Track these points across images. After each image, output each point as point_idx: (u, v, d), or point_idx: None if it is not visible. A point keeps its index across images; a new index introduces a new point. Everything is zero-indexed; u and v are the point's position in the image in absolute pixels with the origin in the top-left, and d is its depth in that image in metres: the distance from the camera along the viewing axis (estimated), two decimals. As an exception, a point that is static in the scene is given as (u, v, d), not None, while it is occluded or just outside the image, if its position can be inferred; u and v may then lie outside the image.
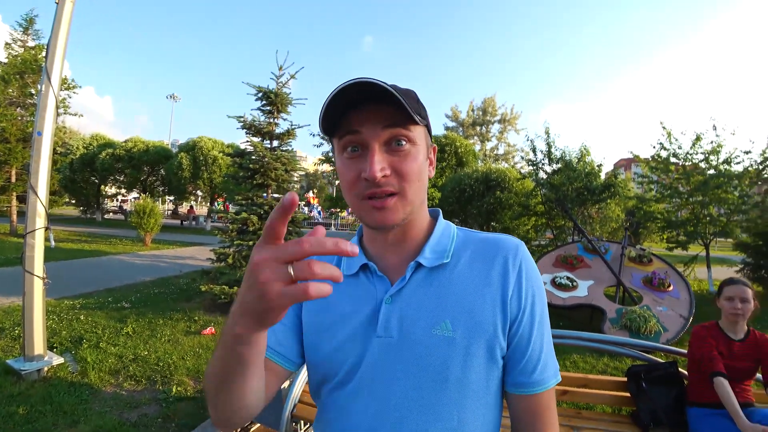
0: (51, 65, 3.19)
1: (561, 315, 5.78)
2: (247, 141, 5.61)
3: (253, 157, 5.56)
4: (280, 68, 5.68)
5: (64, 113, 14.32)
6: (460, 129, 36.94)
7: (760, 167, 8.39)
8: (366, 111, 0.61)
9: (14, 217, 13.01)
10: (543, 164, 10.18)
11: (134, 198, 29.08)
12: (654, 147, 9.38)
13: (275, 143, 5.85)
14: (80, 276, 7.18)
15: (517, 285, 0.65)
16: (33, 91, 12.20)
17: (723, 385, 1.93)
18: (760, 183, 8.82)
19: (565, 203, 8.85)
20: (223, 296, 5.01)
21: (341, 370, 0.68)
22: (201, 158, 18.81)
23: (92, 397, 3.00)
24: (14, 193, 12.50)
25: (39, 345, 3.20)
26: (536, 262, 6.59)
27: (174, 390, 3.15)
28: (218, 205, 23.94)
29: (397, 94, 0.57)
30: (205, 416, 2.79)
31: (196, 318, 4.99)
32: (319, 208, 36.05)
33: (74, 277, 7.02)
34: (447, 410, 0.63)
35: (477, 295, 0.65)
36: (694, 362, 2.15)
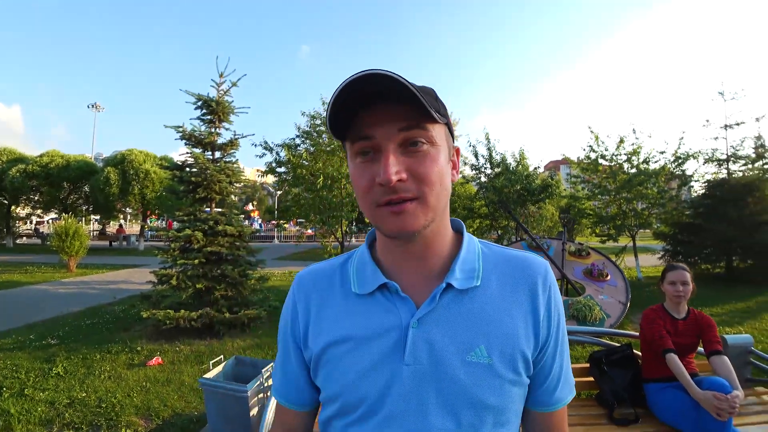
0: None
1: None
2: (188, 153, 5.27)
3: (194, 170, 5.23)
4: (221, 75, 5.43)
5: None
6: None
7: (673, 165, 9.48)
8: (379, 111, 0.55)
9: None
10: (485, 168, 10.69)
11: (53, 219, 26.13)
12: (584, 149, 10.27)
13: (217, 154, 5.55)
14: (-10, 312, 6.28)
15: (547, 310, 0.63)
16: None
17: (674, 360, 2.10)
18: (673, 179, 9.94)
19: (508, 204, 9.34)
20: (168, 321, 4.62)
21: (364, 402, 0.61)
22: (131, 172, 17.24)
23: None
24: None
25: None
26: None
27: None
28: (151, 221, 22.26)
29: (414, 89, 0.51)
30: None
31: (139, 348, 4.53)
32: (260, 221, 34.81)
33: (-18, 314, 6.12)
34: (480, 424, 0.59)
35: (509, 319, 0.61)
36: (647, 342, 2.32)
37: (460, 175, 12.65)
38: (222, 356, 2.80)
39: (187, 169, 5.36)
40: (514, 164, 10.40)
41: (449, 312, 0.60)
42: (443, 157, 0.58)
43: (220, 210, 5.46)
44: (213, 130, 5.45)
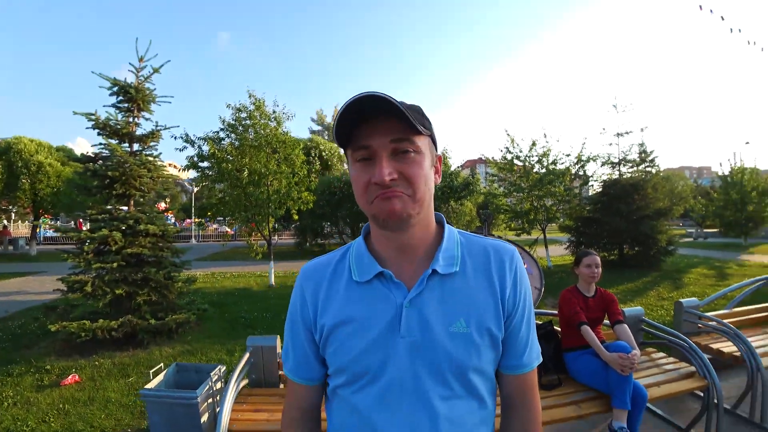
0: None
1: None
2: (102, 144, 4.76)
3: (110, 163, 4.73)
4: (141, 59, 4.99)
5: None
6: (326, 133, 37.55)
7: (576, 167, 10.75)
8: (375, 124, 0.67)
9: None
10: None
11: None
12: (500, 150, 11.22)
13: (136, 146, 5.08)
14: None
15: (513, 286, 0.76)
16: None
17: (588, 331, 2.48)
18: (576, 179, 11.27)
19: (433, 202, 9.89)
20: (83, 334, 4.13)
21: (369, 372, 0.72)
22: (19, 164, 14.68)
23: None
24: None
25: None
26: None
27: None
28: (43, 221, 19.43)
29: (403, 109, 0.64)
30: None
31: (48, 367, 3.98)
32: (173, 219, 32.09)
33: None
34: (471, 395, 0.73)
35: (482, 296, 0.74)
36: (564, 318, 2.69)
37: None
38: (162, 365, 2.62)
39: (101, 162, 4.83)
40: None
41: (434, 293, 0.73)
42: (427, 163, 0.72)
43: (140, 208, 5.01)
44: (131, 119, 4.98)
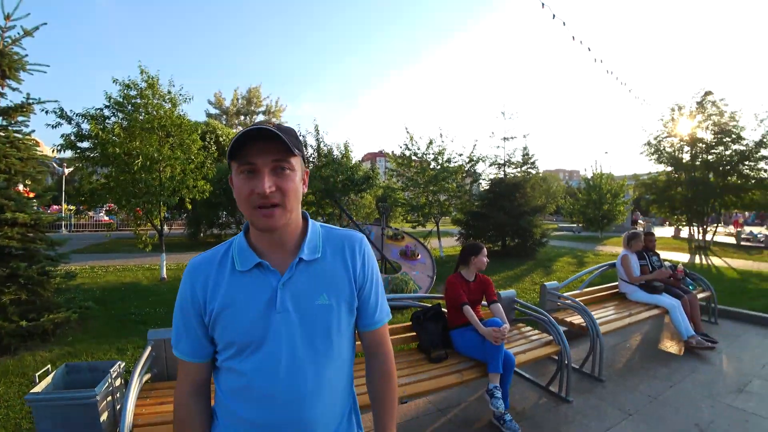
0: None
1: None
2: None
3: (-37, 141, 4.00)
4: (8, 17, 4.25)
5: None
6: (224, 117, 35.28)
7: (468, 165, 11.82)
8: (261, 146, 0.84)
9: None
10: (313, 158, 11.18)
11: None
12: (400, 147, 11.85)
13: (1, 120, 4.34)
14: None
15: (362, 265, 0.99)
16: None
17: (469, 310, 2.91)
18: (467, 176, 12.40)
19: (335, 193, 10.02)
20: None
21: (252, 343, 0.89)
22: None
23: None
24: None
25: None
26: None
27: None
28: None
29: (283, 136, 0.83)
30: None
31: None
32: (36, 205, 27.21)
33: None
34: (334, 353, 0.94)
35: (339, 275, 0.96)
36: (450, 300, 3.11)
37: None
38: (49, 367, 2.39)
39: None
40: (339, 156, 11.17)
41: (302, 276, 0.95)
42: (298, 178, 0.91)
43: (4, 193, 4.30)
44: (-9, 89, 4.24)
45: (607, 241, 16.98)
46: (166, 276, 7.87)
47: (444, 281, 3.23)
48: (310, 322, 0.91)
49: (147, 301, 6.07)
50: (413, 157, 11.81)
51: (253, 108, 36.47)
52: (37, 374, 2.23)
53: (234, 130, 23.29)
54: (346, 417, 1.01)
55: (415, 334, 3.20)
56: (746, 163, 12.65)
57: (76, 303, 4.78)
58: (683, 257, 11.59)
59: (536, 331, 3.53)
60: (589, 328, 3.62)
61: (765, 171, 12.56)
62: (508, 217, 11.09)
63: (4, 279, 4.03)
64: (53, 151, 7.10)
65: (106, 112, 7.24)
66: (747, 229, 21.53)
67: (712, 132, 13.21)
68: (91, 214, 25.55)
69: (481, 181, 12.82)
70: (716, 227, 16.15)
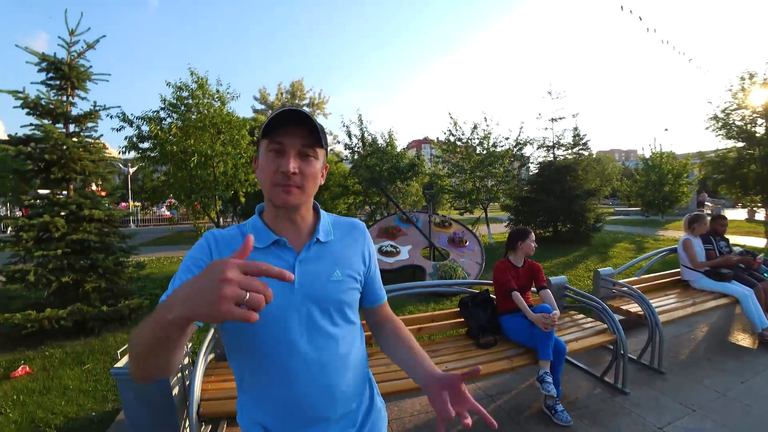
0: None
1: (390, 277, 6.67)
2: (33, 124, 4.45)
3: (45, 146, 4.45)
4: (72, 33, 4.67)
5: None
6: (270, 112, 36.38)
7: (515, 149, 11.41)
8: (293, 129, 0.90)
9: None
10: (358, 147, 11.27)
11: None
12: (444, 133, 11.63)
13: (72, 127, 4.78)
14: None
15: (368, 248, 1.10)
16: None
17: (517, 296, 2.87)
18: (515, 160, 11.98)
19: (381, 182, 10.07)
20: (29, 325, 3.97)
21: (271, 317, 0.91)
22: None
23: None
24: None
25: None
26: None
27: None
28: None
29: (317, 125, 0.90)
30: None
31: (-7, 361, 3.79)
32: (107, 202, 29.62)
33: None
34: (350, 325, 1.03)
35: (348, 255, 1.04)
36: (498, 286, 3.07)
37: (333, 154, 13.21)
38: (127, 346, 2.69)
39: (34, 144, 4.54)
40: (384, 144, 11.17)
41: (317, 255, 1.01)
42: (319, 167, 0.97)
43: (82, 192, 4.78)
44: (66, 98, 4.70)
45: (670, 226, 15.83)
46: (223, 264, 8.35)
47: (493, 268, 3.19)
48: (326, 296, 0.97)
49: (207, 288, 6.49)
50: (458, 143, 11.59)
51: (297, 101, 37.34)
52: (119, 351, 2.50)
53: None
54: (366, 385, 1.10)
55: (463, 320, 3.20)
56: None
57: (147, 290, 5.25)
58: (759, 242, 10.58)
59: (589, 319, 3.41)
60: (647, 316, 3.43)
61: None
62: (559, 201, 10.65)
63: (86, 269, 4.50)
64: (119, 152, 7.73)
65: (162, 114, 7.76)
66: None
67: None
68: (154, 209, 27.64)
69: (529, 164, 12.34)
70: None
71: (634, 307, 3.71)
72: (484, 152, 11.20)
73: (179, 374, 2.38)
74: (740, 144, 13.09)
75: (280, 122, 0.89)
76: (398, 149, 11.34)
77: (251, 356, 0.95)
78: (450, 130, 11.53)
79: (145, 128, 7.56)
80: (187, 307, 0.55)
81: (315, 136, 0.92)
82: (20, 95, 4.39)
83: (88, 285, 4.47)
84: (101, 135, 4.86)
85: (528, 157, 12.14)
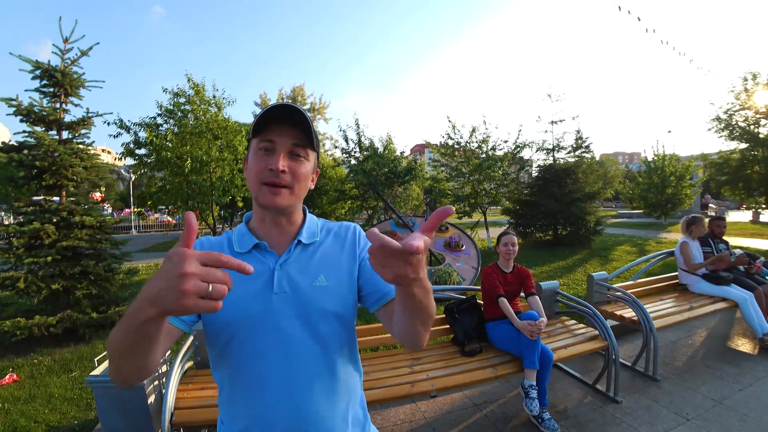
0: None
1: (386, 282, 6.68)
2: (26, 131, 4.46)
3: (37, 152, 4.44)
4: (66, 41, 4.69)
5: None
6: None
7: (514, 152, 11.35)
8: (285, 128, 0.87)
9: None
10: (354, 152, 11.25)
11: None
12: (442, 136, 11.58)
13: (65, 134, 4.78)
14: None
15: (362, 239, 1.01)
16: None
17: (504, 302, 2.81)
18: (514, 164, 11.92)
19: (377, 187, 10.01)
20: (18, 332, 3.97)
21: (249, 321, 0.87)
22: None
23: None
24: None
25: None
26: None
27: None
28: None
29: (310, 125, 0.87)
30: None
31: (-21, 368, 3.78)
32: (110, 209, 29.99)
33: None
34: (334, 337, 0.92)
35: (336, 257, 0.97)
36: (485, 291, 3.01)
37: (331, 158, 13.18)
38: (106, 352, 2.66)
39: (26, 151, 4.54)
40: (381, 148, 11.13)
41: (300, 257, 0.95)
42: (309, 169, 0.93)
43: (73, 199, 4.79)
44: (59, 105, 4.70)
45: (672, 228, 15.66)
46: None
47: (481, 273, 3.13)
48: (308, 302, 0.89)
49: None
50: (456, 146, 11.54)
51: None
52: (96, 359, 2.46)
53: None
54: (355, 410, 0.97)
55: (449, 325, 3.14)
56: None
57: (139, 297, 5.20)
58: (764, 244, 10.42)
59: (581, 326, 3.33)
60: (641, 321, 3.35)
61: None
62: (559, 204, 10.56)
63: (77, 276, 4.49)
64: (115, 159, 7.75)
65: (159, 120, 7.78)
66: None
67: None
68: (156, 215, 27.74)
69: (528, 167, 12.25)
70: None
71: (628, 312, 3.64)
72: (483, 155, 11.14)
73: (155, 382, 2.35)
74: (743, 145, 12.98)
75: (270, 119, 0.86)
76: (396, 153, 11.30)
77: (227, 366, 0.90)
78: (448, 134, 11.49)
79: (142, 134, 7.59)
80: (155, 304, 0.56)
81: (307, 136, 0.88)
82: (13, 102, 4.39)
83: (78, 292, 4.46)
84: (93, 141, 4.85)
85: (527, 160, 12.06)
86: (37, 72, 4.54)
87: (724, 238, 4.63)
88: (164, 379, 2.42)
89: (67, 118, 4.76)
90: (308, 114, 0.88)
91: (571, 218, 10.60)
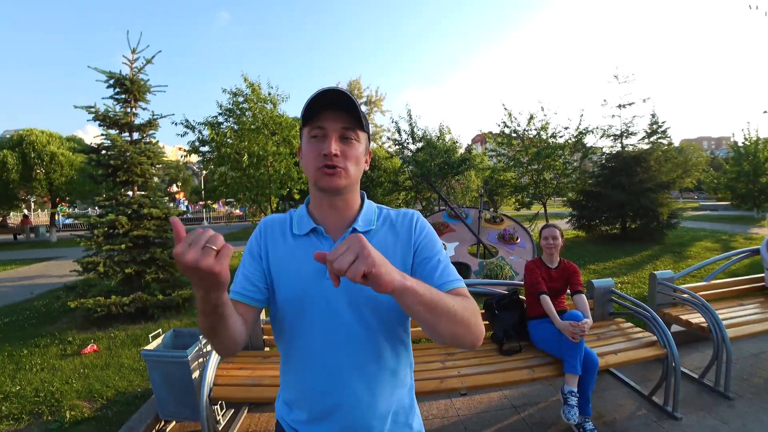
0: None
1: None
2: (103, 134, 5.01)
3: (112, 152, 4.99)
4: (134, 51, 5.15)
5: None
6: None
7: (576, 139, 10.59)
8: (333, 113, 0.88)
9: None
10: (407, 143, 11.13)
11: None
12: (498, 125, 11.08)
13: (136, 135, 5.30)
14: None
15: (418, 233, 0.96)
16: None
17: (545, 300, 2.65)
18: (576, 152, 11.13)
19: (430, 178, 9.83)
20: (99, 309, 4.51)
21: (301, 302, 0.91)
22: (33, 155, 15.27)
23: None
24: None
25: None
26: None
27: (68, 416, 2.87)
28: (61, 209, 20.17)
29: (358, 107, 0.87)
30: None
31: (70, 339, 4.39)
32: (186, 202, 32.53)
33: None
34: (382, 327, 0.92)
35: (391, 247, 0.94)
36: (527, 287, 2.85)
37: (386, 150, 13.14)
38: (160, 330, 2.93)
39: (104, 151, 5.09)
40: (435, 139, 10.90)
41: None
42: (362, 151, 0.94)
43: (143, 193, 5.30)
44: (129, 110, 5.19)
45: (766, 222, 13.77)
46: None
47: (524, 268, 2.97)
48: (358, 290, 0.88)
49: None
50: (513, 135, 11.03)
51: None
52: (150, 335, 2.73)
53: None
54: (390, 398, 0.95)
55: (488, 322, 3.01)
56: None
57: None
58: None
59: (638, 329, 3.03)
60: (711, 329, 2.98)
61: None
62: (627, 195, 9.71)
63: (146, 262, 4.96)
64: (182, 156, 8.41)
65: (220, 119, 8.30)
66: None
67: None
68: (225, 207, 29.82)
69: (591, 156, 11.34)
70: None
71: (696, 318, 3.25)
72: (542, 144, 10.52)
73: (200, 359, 2.54)
74: None
75: (318, 106, 0.88)
76: (450, 143, 11.01)
77: (281, 341, 0.98)
78: (504, 122, 10.99)
79: (205, 133, 8.15)
80: (195, 286, 0.68)
81: (356, 117, 0.89)
82: (92, 110, 4.96)
83: (148, 276, 4.94)
84: (158, 141, 5.31)
85: (591, 148, 11.17)
86: (111, 81, 5.05)
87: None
88: (206, 357, 2.60)
89: (137, 121, 5.26)
90: (353, 95, 0.87)
91: (641, 210, 9.69)
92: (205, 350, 2.59)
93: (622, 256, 8.18)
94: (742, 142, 15.84)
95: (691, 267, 4.09)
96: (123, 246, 4.72)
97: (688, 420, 2.59)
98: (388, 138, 11.63)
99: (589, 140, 10.96)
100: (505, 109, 10.88)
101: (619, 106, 10.63)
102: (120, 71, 5.04)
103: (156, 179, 5.40)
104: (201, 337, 2.65)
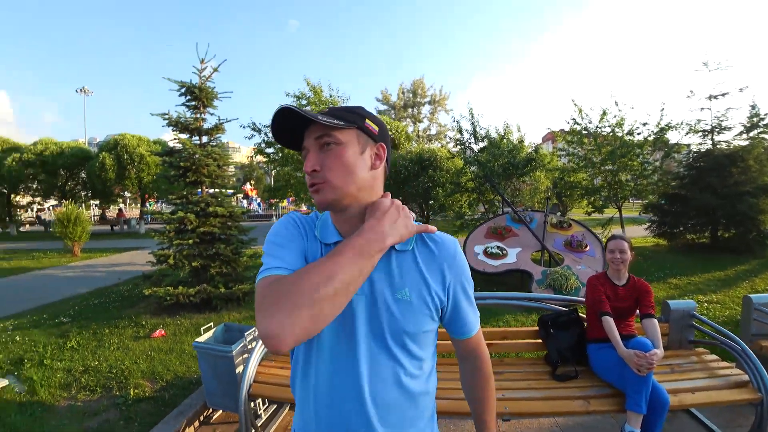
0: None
1: (494, 281, 6.25)
2: (175, 138, 5.45)
3: (183, 155, 5.42)
4: (202, 61, 5.54)
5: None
6: (393, 112, 37.44)
7: (656, 136, 9.53)
8: (308, 127, 0.83)
9: None
10: (470, 143, 10.72)
11: (53, 206, 26.44)
12: (568, 122, 10.29)
13: (204, 139, 5.72)
14: (3, 297, 6.59)
15: (453, 276, 0.89)
16: None
17: (608, 321, 2.36)
18: (657, 150, 10.01)
19: (492, 179, 9.39)
20: (168, 298, 4.93)
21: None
22: (126, 157, 17.46)
23: (46, 413, 2.96)
24: None
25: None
26: (469, 234, 6.77)
27: (132, 393, 3.18)
28: (150, 205, 22.49)
29: (310, 117, 0.77)
30: (165, 413, 2.84)
31: (143, 323, 4.87)
32: (259, 200, 34.66)
33: (-3, 298, 6.41)
34: (399, 348, 0.85)
35: (427, 276, 0.87)
36: (589, 306, 2.57)
37: (448, 150, 12.83)
38: (211, 323, 3.12)
39: (176, 154, 5.54)
40: (499, 138, 10.38)
41: (387, 263, 0.86)
42: (351, 151, 0.83)
43: (211, 192, 5.69)
44: (198, 115, 5.60)
45: None
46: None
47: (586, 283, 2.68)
48: (383, 312, 0.83)
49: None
50: (584, 132, 10.20)
51: (418, 99, 37.84)
52: (202, 328, 2.90)
53: (403, 123, 24.72)
54: (403, 424, 0.89)
55: (541, 340, 2.76)
56: None
57: (259, 278, 5.94)
58: None
59: (724, 364, 2.59)
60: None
61: None
62: (719, 199, 8.54)
63: (211, 256, 5.31)
64: (249, 158, 8.94)
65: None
66: None
67: None
68: (293, 205, 31.31)
69: (675, 154, 10.09)
70: None
71: (803, 353, 2.73)
72: (617, 142, 9.61)
73: (245, 354, 2.64)
74: None
75: (292, 131, 0.85)
76: (518, 141, 10.41)
77: (300, 353, 0.91)
78: (574, 119, 10.21)
79: (270, 135, 8.56)
80: (392, 231, 0.80)
81: (323, 122, 0.79)
82: (166, 116, 5.44)
83: (212, 269, 5.28)
84: (224, 143, 5.66)
85: (674, 145, 9.96)
86: (182, 90, 5.48)
87: None
88: (250, 353, 2.69)
89: (205, 126, 5.66)
90: (296, 106, 0.77)
91: (737, 217, 8.45)
92: (249, 347, 2.67)
93: (711, 270, 7.21)
94: None
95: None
96: (191, 241, 5.09)
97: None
98: (450, 138, 11.29)
99: (673, 137, 9.78)
100: (575, 104, 10.11)
101: (710, 97, 9.32)
102: (190, 80, 5.44)
103: (223, 179, 5.77)
104: (247, 333, 2.74)
